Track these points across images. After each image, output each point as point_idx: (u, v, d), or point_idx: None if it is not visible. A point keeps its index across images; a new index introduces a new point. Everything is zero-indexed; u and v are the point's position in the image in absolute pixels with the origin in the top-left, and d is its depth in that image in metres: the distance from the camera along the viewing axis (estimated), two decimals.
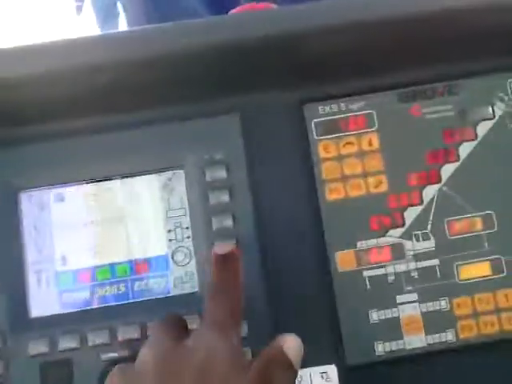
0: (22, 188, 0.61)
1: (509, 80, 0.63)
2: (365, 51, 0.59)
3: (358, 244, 0.61)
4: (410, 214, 0.61)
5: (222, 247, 0.51)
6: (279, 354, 0.47)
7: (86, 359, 0.58)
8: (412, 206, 0.61)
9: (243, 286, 0.52)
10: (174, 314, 0.52)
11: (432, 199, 0.62)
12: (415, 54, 0.60)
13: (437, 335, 0.60)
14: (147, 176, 0.62)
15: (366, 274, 0.61)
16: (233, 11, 0.67)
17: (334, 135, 0.62)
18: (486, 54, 0.62)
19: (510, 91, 0.63)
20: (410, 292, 0.60)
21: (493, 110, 0.63)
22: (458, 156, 0.62)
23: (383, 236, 0.61)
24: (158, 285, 0.60)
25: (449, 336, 0.60)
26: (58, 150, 0.61)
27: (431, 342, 0.60)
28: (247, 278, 0.58)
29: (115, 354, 0.58)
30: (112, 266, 0.61)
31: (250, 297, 0.58)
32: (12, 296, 0.59)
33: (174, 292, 0.60)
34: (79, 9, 1.58)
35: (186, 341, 0.47)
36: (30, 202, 0.61)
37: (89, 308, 0.60)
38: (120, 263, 0.61)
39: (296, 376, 0.48)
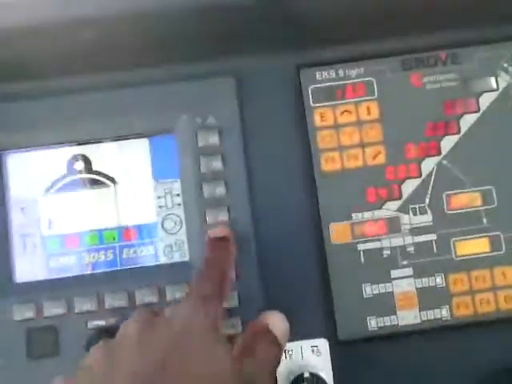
0: (8, 148, 0.59)
1: None
2: (364, 14, 0.57)
3: (354, 216, 0.59)
4: (408, 187, 0.60)
5: (216, 232, 0.53)
6: (265, 329, 0.47)
7: (72, 326, 0.57)
8: (410, 178, 0.60)
9: (234, 264, 0.53)
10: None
11: (431, 172, 0.60)
12: (418, 20, 0.58)
13: (431, 312, 0.58)
14: (137, 139, 0.60)
15: (360, 247, 0.59)
16: None
17: (331, 102, 0.60)
18: (491, 21, 0.60)
19: None
20: (405, 267, 0.59)
21: (497, 82, 0.61)
22: (459, 128, 0.60)
23: (379, 209, 0.59)
24: (147, 252, 0.59)
25: (443, 313, 0.58)
26: (46, 110, 0.59)
27: (425, 319, 0.58)
28: (239, 249, 0.57)
29: (102, 322, 0.57)
30: (100, 231, 0.59)
31: (242, 268, 0.57)
32: None
33: (163, 260, 0.59)
34: None
35: (165, 312, 0.46)
36: (15, 164, 0.59)
37: (76, 274, 0.58)
38: (108, 229, 0.59)
39: (281, 353, 0.47)
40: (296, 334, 0.57)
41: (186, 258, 0.59)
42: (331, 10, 0.56)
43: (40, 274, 0.58)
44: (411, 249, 0.59)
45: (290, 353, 0.57)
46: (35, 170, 0.59)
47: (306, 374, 0.56)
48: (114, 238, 0.59)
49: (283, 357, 0.57)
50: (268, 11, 0.55)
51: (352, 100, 0.60)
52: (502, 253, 0.59)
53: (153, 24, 0.54)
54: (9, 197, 0.59)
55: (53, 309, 0.56)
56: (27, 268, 0.58)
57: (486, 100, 0.61)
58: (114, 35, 0.54)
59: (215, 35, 0.56)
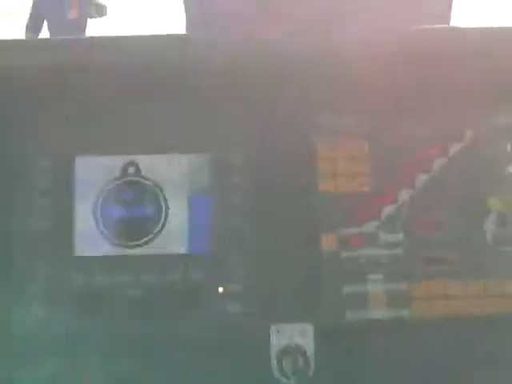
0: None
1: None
2: (360, 79, 0.74)
3: (341, 230, 0.75)
4: (386, 211, 0.76)
5: None
6: None
7: None
8: (389, 204, 0.76)
9: None
10: None
11: (405, 200, 0.76)
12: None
13: (396, 310, 0.74)
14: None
15: (344, 254, 0.75)
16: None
17: (332, 139, 0.77)
18: None
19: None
20: (378, 273, 0.75)
21: (464, 133, 0.77)
22: (431, 168, 0.76)
23: (362, 226, 0.76)
24: None
25: (405, 312, 0.74)
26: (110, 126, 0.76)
27: (390, 316, 0.74)
28: (249, 248, 0.73)
29: None
30: None
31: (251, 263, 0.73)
32: None
33: None
34: None
35: None
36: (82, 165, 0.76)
37: None
38: None
39: None
40: (289, 318, 0.73)
41: None
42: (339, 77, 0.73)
43: None
44: (384, 259, 0.75)
45: (278, 331, 0.73)
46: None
47: (292, 345, 0.72)
48: None
49: (276, 332, 0.73)
50: None
51: (348, 139, 0.77)
52: (455, 268, 0.75)
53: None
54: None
55: None
56: None
57: (454, 148, 0.77)
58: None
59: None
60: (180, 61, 0.73)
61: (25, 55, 0.74)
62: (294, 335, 0.73)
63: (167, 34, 0.75)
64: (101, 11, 3.78)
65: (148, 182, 0.76)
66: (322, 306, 0.74)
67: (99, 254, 0.74)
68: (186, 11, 1.09)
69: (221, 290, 0.74)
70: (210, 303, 0.74)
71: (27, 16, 3.75)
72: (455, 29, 0.77)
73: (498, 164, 0.77)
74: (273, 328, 0.73)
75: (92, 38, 0.78)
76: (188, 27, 1.05)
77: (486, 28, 0.76)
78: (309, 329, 0.74)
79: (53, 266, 0.73)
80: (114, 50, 0.73)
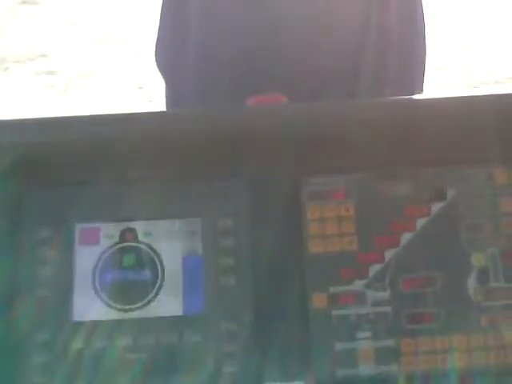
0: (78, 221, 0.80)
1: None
2: (347, 143, 0.78)
3: (330, 289, 0.79)
4: (373, 269, 0.79)
5: None
6: None
7: None
8: (375, 263, 0.79)
9: None
10: None
11: (391, 259, 0.79)
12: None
13: (385, 366, 0.77)
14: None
15: (334, 312, 0.78)
16: (251, 101, 0.86)
17: (320, 201, 0.80)
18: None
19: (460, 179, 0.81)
20: (367, 330, 0.78)
21: (445, 193, 0.80)
22: (415, 227, 0.80)
23: (350, 284, 0.79)
24: None
25: (394, 368, 0.77)
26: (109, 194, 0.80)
27: (379, 372, 0.77)
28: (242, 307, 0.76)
29: None
30: None
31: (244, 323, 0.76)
32: None
33: None
34: None
35: None
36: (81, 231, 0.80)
37: None
38: None
39: None
40: (281, 376, 0.76)
41: None
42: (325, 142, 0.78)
43: None
44: (372, 317, 0.78)
45: None
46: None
47: None
48: None
49: None
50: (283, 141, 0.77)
51: (335, 200, 0.80)
52: (442, 325, 0.78)
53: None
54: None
55: None
56: None
57: (436, 207, 0.80)
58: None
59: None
60: (169, 134, 0.78)
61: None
62: None
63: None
64: None
65: (144, 247, 0.80)
66: (314, 364, 0.77)
67: (97, 318, 0.77)
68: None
69: (215, 350, 0.77)
70: (205, 364, 0.76)
71: None
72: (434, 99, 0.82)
73: (479, 220, 0.80)
74: None
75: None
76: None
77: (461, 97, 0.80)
78: None
79: (51, 332, 0.76)
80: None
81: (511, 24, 5.71)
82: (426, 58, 1.20)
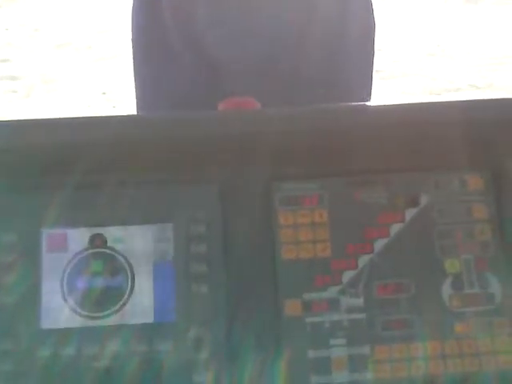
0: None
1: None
2: (320, 150, 0.77)
3: (304, 296, 0.78)
4: (347, 276, 0.78)
5: None
6: None
7: None
8: (349, 269, 0.78)
9: None
10: None
11: (365, 265, 0.78)
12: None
13: (359, 374, 0.76)
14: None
15: (307, 320, 0.77)
16: (221, 106, 0.85)
17: (292, 207, 0.79)
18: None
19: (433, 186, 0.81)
20: (340, 337, 0.77)
21: (419, 200, 0.80)
22: (389, 233, 0.79)
23: (324, 291, 0.78)
24: None
25: (368, 375, 0.76)
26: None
27: (353, 379, 0.76)
28: (214, 314, 0.75)
29: None
30: None
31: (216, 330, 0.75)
32: None
33: None
34: None
35: None
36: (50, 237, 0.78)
37: None
38: None
39: None
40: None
41: None
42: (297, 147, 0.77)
43: None
44: (346, 324, 0.77)
45: None
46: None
47: None
48: None
49: None
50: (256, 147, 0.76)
51: (308, 207, 0.79)
52: (415, 331, 0.77)
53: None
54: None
55: None
56: None
57: (410, 213, 0.80)
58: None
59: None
60: (140, 138, 0.77)
61: None
62: None
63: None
64: None
65: (114, 253, 0.78)
66: (287, 371, 0.76)
67: (66, 326, 0.75)
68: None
69: (186, 358, 0.75)
70: (175, 373, 0.75)
71: None
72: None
73: (452, 226, 0.80)
74: None
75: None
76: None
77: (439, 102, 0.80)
78: None
79: (18, 340, 0.74)
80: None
81: (473, 32, 5.83)
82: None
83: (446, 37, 5.78)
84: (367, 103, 0.82)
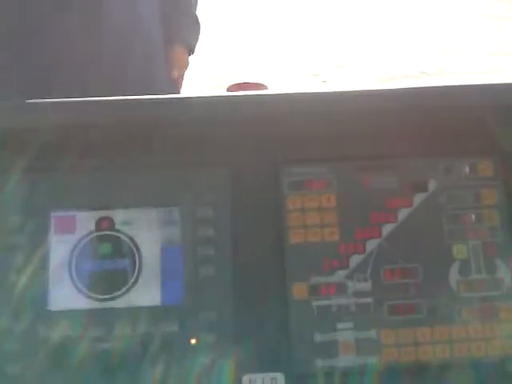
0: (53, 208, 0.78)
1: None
2: (329, 135, 0.77)
3: (311, 279, 0.77)
4: (354, 260, 0.78)
5: None
6: None
7: None
8: (356, 253, 0.78)
9: None
10: None
11: (372, 250, 0.78)
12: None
13: (365, 358, 0.76)
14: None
15: (315, 303, 0.77)
16: (231, 89, 0.84)
17: (301, 191, 0.79)
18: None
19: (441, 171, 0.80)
20: (347, 321, 0.77)
21: (427, 185, 0.80)
22: (397, 218, 0.79)
23: (331, 275, 0.78)
24: None
25: (375, 359, 0.76)
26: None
27: (360, 363, 0.76)
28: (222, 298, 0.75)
29: None
30: None
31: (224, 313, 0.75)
32: None
33: None
34: None
35: None
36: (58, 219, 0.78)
37: None
38: None
39: None
40: (260, 367, 0.75)
41: None
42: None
43: None
44: (353, 308, 0.77)
45: (254, 381, 0.75)
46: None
47: None
48: None
49: (248, 383, 0.74)
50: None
51: (316, 190, 0.79)
52: (423, 316, 0.77)
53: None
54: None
55: None
56: None
57: (418, 198, 0.80)
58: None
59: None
60: (150, 121, 0.77)
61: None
62: None
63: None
64: None
65: (121, 236, 0.78)
66: (293, 354, 0.76)
67: (73, 307, 0.75)
68: None
69: (193, 341, 0.75)
70: (183, 355, 0.75)
71: None
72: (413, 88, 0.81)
73: (461, 212, 0.80)
74: (245, 378, 0.74)
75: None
76: None
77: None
78: (279, 378, 0.75)
79: (26, 321, 0.74)
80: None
81: (424, 20, 5.83)
82: None
83: (397, 25, 5.78)
84: (377, 87, 0.81)
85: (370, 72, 4.87)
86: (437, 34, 5.55)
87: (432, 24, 5.77)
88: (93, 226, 0.78)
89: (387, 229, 0.79)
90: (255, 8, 6.31)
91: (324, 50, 5.32)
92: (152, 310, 0.76)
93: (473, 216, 0.79)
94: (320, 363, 0.76)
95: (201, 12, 1.54)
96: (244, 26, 5.93)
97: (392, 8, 6.16)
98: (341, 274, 0.78)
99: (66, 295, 0.76)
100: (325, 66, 5.02)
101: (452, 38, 5.49)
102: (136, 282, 0.77)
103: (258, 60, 5.10)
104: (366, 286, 0.78)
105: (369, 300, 0.77)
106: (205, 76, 4.52)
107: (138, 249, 0.78)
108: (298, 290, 0.77)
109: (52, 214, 0.78)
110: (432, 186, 0.80)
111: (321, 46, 5.40)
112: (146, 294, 0.77)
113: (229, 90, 0.86)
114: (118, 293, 0.77)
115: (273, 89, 0.82)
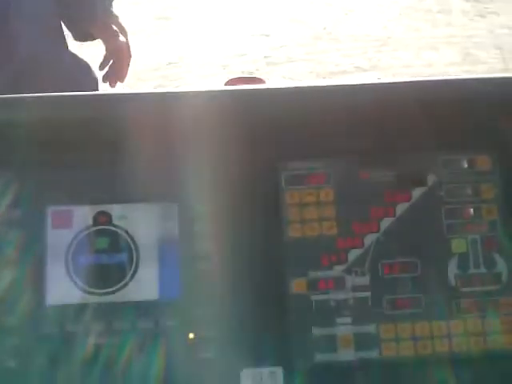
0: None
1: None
2: (327, 128, 0.77)
3: (310, 274, 0.77)
4: (353, 255, 0.78)
5: None
6: None
7: None
8: (355, 248, 0.78)
9: None
10: None
11: (371, 244, 0.78)
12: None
13: (364, 352, 0.76)
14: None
15: (313, 297, 0.77)
16: (228, 83, 0.84)
17: (299, 186, 0.79)
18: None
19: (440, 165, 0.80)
20: (346, 316, 0.77)
21: (426, 179, 0.79)
22: (395, 212, 0.79)
23: (330, 269, 0.77)
24: None
25: (374, 353, 0.76)
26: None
27: (359, 358, 0.76)
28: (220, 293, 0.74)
29: None
30: None
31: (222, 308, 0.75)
32: None
33: None
34: None
35: None
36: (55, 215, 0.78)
37: None
38: None
39: None
40: (258, 362, 0.74)
41: None
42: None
43: None
44: (352, 302, 0.77)
45: (253, 375, 0.75)
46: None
47: None
48: None
49: (246, 377, 0.74)
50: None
51: (314, 185, 0.79)
52: (421, 310, 0.77)
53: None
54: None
55: None
56: None
57: (416, 193, 0.79)
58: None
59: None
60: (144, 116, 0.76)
61: None
62: (264, 379, 0.75)
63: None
64: None
65: (119, 230, 0.78)
66: (292, 349, 0.75)
67: (70, 302, 0.75)
68: None
69: (191, 336, 0.75)
70: (181, 350, 0.75)
71: None
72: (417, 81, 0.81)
73: (460, 206, 0.79)
74: (243, 373, 0.74)
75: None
76: None
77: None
78: (278, 372, 0.75)
79: (24, 316, 0.74)
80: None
81: (357, 15, 5.83)
82: None
83: (328, 19, 5.77)
84: (375, 81, 0.81)
85: (305, 68, 4.85)
86: (368, 29, 5.54)
87: (363, 19, 5.76)
88: (90, 221, 0.78)
89: (386, 223, 0.79)
90: (184, 8, 6.20)
91: (258, 47, 5.26)
92: (149, 305, 0.76)
93: (472, 210, 0.79)
94: (319, 357, 0.76)
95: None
96: (175, 23, 5.85)
97: (325, 3, 6.14)
98: (339, 269, 0.78)
99: (63, 290, 0.76)
100: (259, 63, 4.97)
101: (383, 32, 5.48)
102: (133, 276, 0.77)
103: (191, 59, 5.03)
104: (365, 280, 0.77)
105: (367, 294, 0.77)
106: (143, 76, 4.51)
107: (135, 243, 0.77)
108: (297, 285, 0.77)
109: (49, 208, 0.78)
110: (431, 180, 0.80)
111: (255, 43, 5.34)
112: (143, 288, 0.76)
113: (227, 83, 0.86)
114: (116, 287, 0.76)
115: (270, 83, 0.82)
